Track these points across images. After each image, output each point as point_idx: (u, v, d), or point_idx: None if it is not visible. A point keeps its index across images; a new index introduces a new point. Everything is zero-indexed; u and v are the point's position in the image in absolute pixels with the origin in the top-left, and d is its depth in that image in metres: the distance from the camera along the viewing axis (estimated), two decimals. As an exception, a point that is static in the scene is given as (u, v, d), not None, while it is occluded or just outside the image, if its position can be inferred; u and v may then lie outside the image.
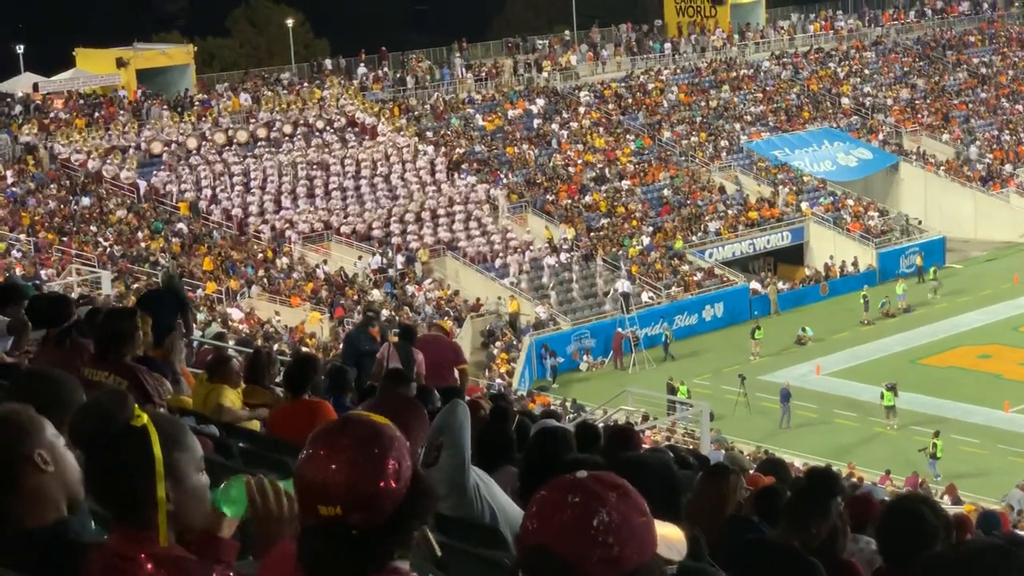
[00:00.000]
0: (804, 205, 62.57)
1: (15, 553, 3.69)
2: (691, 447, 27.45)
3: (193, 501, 3.56)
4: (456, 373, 16.12)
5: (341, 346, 20.22)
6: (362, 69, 67.37)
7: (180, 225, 51.42)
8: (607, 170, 62.19)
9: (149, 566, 3.41)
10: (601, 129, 66.12)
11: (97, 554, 3.53)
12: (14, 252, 46.19)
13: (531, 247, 55.03)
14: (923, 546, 5.99)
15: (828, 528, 6.79)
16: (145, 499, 3.45)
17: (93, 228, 49.72)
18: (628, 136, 66.07)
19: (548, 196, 58.77)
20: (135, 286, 43.06)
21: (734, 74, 74.07)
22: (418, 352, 15.47)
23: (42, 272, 42.71)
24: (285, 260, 50.98)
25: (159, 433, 3.48)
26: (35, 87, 59.55)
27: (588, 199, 59.57)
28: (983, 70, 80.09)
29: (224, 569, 3.52)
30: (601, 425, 14.31)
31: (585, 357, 50.38)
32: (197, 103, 60.41)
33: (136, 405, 3.52)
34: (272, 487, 3.68)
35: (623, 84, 71.00)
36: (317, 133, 59.87)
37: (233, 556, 3.68)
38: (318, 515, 2.96)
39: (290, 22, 76.04)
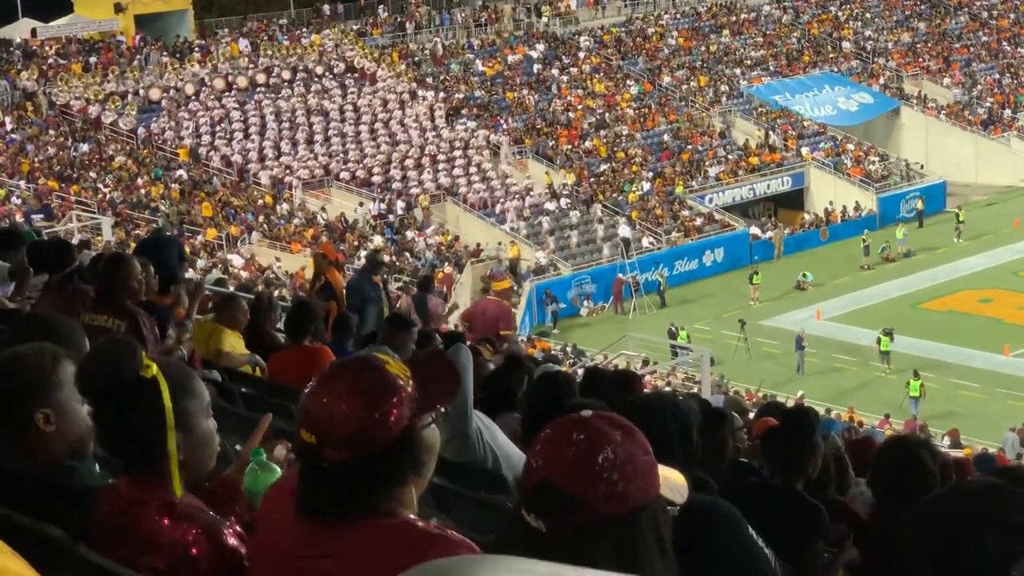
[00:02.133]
0: (804, 150, 62.45)
1: (18, 497, 3.71)
2: (693, 391, 27.54)
3: (201, 448, 3.58)
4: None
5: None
6: (382, 12, 67.39)
7: (180, 171, 51.34)
8: (607, 115, 62.03)
9: (156, 514, 3.44)
10: (601, 74, 65.89)
11: (107, 498, 3.56)
12: (14, 199, 46.16)
13: (531, 193, 54.98)
14: (915, 486, 6.04)
15: (820, 462, 6.86)
16: (156, 449, 3.47)
17: (93, 174, 49.65)
18: (628, 81, 65.85)
19: (548, 142, 58.67)
20: (135, 232, 43.05)
21: (734, 18, 73.74)
22: (432, 298, 16.02)
23: (35, 216, 42.66)
24: (285, 206, 50.95)
25: (168, 381, 3.49)
26: (33, 33, 59.27)
27: (588, 144, 59.46)
28: (984, 13, 79.69)
29: (233, 523, 3.54)
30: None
31: (585, 302, 50.40)
32: (196, 49, 60.18)
33: (144, 354, 3.53)
34: None
35: (623, 29, 70.71)
36: (316, 79, 59.68)
37: (252, 510, 3.70)
38: (300, 439, 2.99)
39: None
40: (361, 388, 2.96)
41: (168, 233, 30.74)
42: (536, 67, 65.01)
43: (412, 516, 3.04)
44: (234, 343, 10.23)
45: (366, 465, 2.96)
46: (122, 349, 3.55)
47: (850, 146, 64.04)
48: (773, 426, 7.49)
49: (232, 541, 3.45)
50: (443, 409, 3.11)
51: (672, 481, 2.94)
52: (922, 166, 64.37)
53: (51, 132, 52.17)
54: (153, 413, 3.45)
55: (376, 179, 53.75)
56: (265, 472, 3.76)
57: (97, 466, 3.92)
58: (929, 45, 75.09)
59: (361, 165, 54.39)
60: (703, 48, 70.22)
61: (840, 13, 76.60)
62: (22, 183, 47.59)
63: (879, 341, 42.43)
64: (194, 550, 3.38)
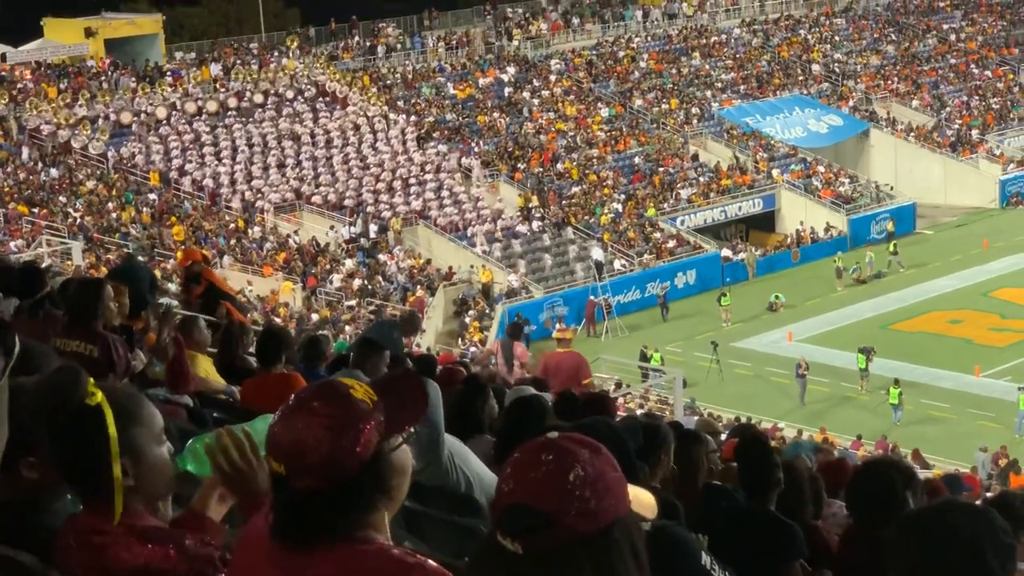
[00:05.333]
0: (775, 172, 62.71)
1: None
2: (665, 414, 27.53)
3: (154, 474, 3.55)
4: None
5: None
6: (389, 34, 67.34)
7: (151, 196, 51.21)
8: (578, 138, 62.16)
9: (120, 540, 3.43)
10: (572, 97, 66.05)
11: (68, 528, 3.54)
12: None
13: (503, 215, 55.02)
14: (886, 509, 6.05)
15: (779, 475, 6.92)
16: (105, 477, 3.45)
17: (63, 199, 49.48)
18: (599, 104, 66.03)
19: (519, 165, 58.75)
20: (106, 257, 42.91)
21: (705, 41, 74.06)
22: (518, 345, 17.24)
23: (12, 244, 42.54)
24: (257, 230, 50.86)
25: (115, 409, 3.46)
26: (3, 57, 59.11)
27: (560, 167, 59.55)
28: (952, 36, 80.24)
29: (202, 538, 3.53)
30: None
31: (558, 325, 50.22)
32: (167, 73, 60.09)
33: (92, 381, 3.50)
34: (234, 440, 3.66)
35: (594, 52, 70.93)
36: (287, 103, 59.64)
37: (219, 537, 3.67)
38: (273, 468, 2.99)
39: (259, -9, 75.51)
40: (327, 417, 2.93)
41: (139, 259, 30.66)
42: (507, 90, 65.13)
43: (387, 543, 3.03)
44: (207, 368, 10.19)
45: (336, 492, 2.95)
46: (66, 378, 3.52)
47: (820, 168, 64.35)
48: (734, 454, 7.55)
49: (200, 551, 3.44)
50: (413, 430, 3.09)
51: (641, 500, 2.95)
52: (892, 188, 64.73)
53: (22, 156, 51.98)
54: (96, 442, 3.43)
55: (348, 203, 53.71)
56: (195, 463, 3.72)
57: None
58: (898, 68, 75.60)
59: (333, 189, 54.35)
60: (674, 71, 70.48)
61: (810, 36, 77.04)
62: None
63: (858, 359, 42.59)
64: (162, 567, 3.38)
